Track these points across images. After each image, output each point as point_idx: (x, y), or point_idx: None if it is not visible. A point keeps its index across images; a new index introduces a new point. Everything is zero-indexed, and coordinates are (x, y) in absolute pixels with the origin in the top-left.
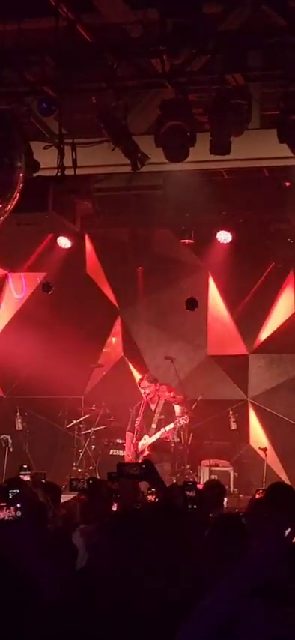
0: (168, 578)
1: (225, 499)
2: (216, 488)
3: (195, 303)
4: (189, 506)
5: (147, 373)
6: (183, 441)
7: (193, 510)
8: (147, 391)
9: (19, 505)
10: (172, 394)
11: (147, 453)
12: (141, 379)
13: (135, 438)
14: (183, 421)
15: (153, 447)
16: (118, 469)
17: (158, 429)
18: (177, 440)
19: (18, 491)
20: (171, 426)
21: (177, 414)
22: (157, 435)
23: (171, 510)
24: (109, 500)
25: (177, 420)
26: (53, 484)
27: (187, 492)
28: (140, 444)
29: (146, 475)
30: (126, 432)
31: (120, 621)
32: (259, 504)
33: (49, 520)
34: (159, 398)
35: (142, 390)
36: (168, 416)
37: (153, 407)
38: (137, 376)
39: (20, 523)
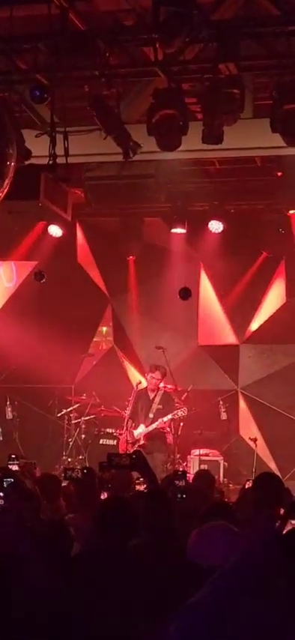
0: (156, 566)
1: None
2: (206, 478)
3: (189, 293)
4: (178, 496)
5: (159, 366)
6: (173, 431)
7: (182, 500)
8: (154, 381)
9: (1, 494)
10: (163, 384)
11: (142, 441)
12: (154, 370)
13: (131, 427)
14: (181, 413)
15: (148, 436)
16: (108, 459)
17: (155, 419)
18: (167, 430)
19: (12, 480)
20: (169, 417)
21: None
22: (154, 425)
23: (161, 499)
24: (99, 489)
25: (175, 412)
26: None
27: (176, 482)
28: (136, 432)
29: (136, 465)
30: (127, 418)
31: (108, 607)
32: (248, 494)
33: (42, 510)
34: (158, 388)
35: (152, 381)
36: (167, 406)
37: (151, 396)
38: (128, 366)
39: (4, 513)
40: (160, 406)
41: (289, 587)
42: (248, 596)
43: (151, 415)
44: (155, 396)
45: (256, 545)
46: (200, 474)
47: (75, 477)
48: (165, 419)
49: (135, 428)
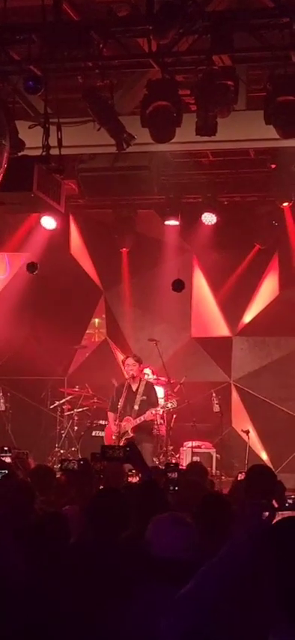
0: (147, 557)
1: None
2: (198, 470)
3: (182, 285)
4: (171, 488)
5: (131, 353)
6: (165, 423)
7: (174, 492)
8: (131, 371)
9: None
10: (155, 376)
11: (130, 434)
12: (126, 358)
13: (117, 419)
14: (171, 405)
15: (136, 427)
16: (102, 451)
17: (140, 410)
18: (160, 422)
19: (6, 471)
20: (159, 409)
21: (160, 397)
22: (143, 417)
23: (154, 491)
24: (94, 481)
25: (164, 403)
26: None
27: (169, 474)
28: (123, 425)
29: (129, 457)
30: (108, 412)
31: (99, 597)
32: (240, 486)
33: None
34: (140, 379)
35: (126, 369)
36: (150, 397)
37: (134, 387)
38: (121, 357)
39: None
40: (144, 397)
41: (277, 578)
42: (236, 587)
43: (136, 407)
44: (138, 387)
45: (244, 536)
46: (192, 465)
47: (71, 468)
48: (153, 411)
49: (120, 420)
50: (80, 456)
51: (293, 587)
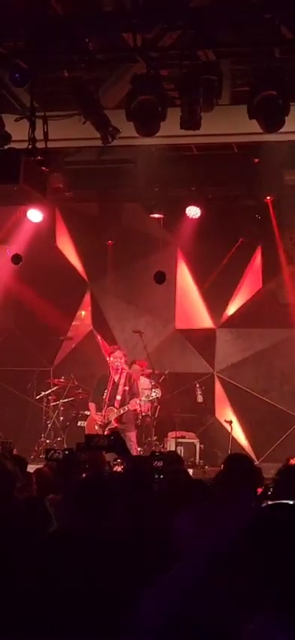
0: (134, 545)
1: (191, 470)
2: (174, 458)
3: (163, 277)
4: (156, 476)
5: (117, 345)
6: (150, 413)
7: (160, 480)
8: (117, 363)
9: None
10: (143, 369)
11: (113, 424)
12: (114, 349)
13: (103, 409)
14: (155, 394)
15: (119, 418)
16: (86, 440)
17: (122, 400)
18: (147, 414)
19: None
20: (144, 398)
21: (144, 387)
22: (127, 407)
23: (139, 479)
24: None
25: (148, 393)
26: (19, 457)
27: (154, 462)
28: (107, 414)
29: (114, 446)
30: (89, 403)
31: (86, 587)
32: (220, 476)
33: (17, 489)
34: (122, 370)
35: (112, 360)
36: (132, 388)
37: (116, 378)
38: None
39: None
40: (126, 387)
41: (264, 565)
42: (224, 573)
43: (118, 397)
44: (120, 377)
45: (232, 523)
46: (168, 455)
47: (56, 457)
48: (138, 400)
49: (105, 410)
50: (66, 446)
51: (277, 574)
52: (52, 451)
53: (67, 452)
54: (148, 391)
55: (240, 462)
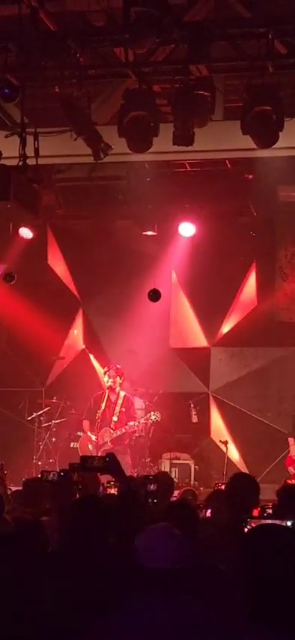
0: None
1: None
2: (165, 481)
3: (158, 295)
4: (149, 500)
5: (112, 364)
6: (144, 434)
7: (153, 504)
8: (111, 382)
9: None
10: (134, 388)
11: (109, 445)
12: (109, 369)
13: (96, 429)
14: (154, 417)
15: (114, 439)
16: (81, 462)
17: (119, 422)
18: (141, 434)
19: None
20: (142, 420)
21: (137, 408)
22: (124, 429)
23: (133, 501)
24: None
25: (148, 415)
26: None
27: (148, 486)
28: (101, 435)
29: (109, 468)
30: (83, 420)
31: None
32: (222, 494)
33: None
34: (119, 391)
35: (106, 379)
36: (129, 410)
37: (113, 398)
38: (99, 369)
39: None
40: (123, 409)
41: (247, 584)
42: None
43: (115, 418)
44: (116, 398)
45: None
46: (159, 475)
47: (51, 479)
48: (136, 423)
49: (99, 430)
50: (58, 468)
51: (264, 593)
52: (47, 473)
53: (62, 473)
54: (142, 412)
55: (245, 482)
